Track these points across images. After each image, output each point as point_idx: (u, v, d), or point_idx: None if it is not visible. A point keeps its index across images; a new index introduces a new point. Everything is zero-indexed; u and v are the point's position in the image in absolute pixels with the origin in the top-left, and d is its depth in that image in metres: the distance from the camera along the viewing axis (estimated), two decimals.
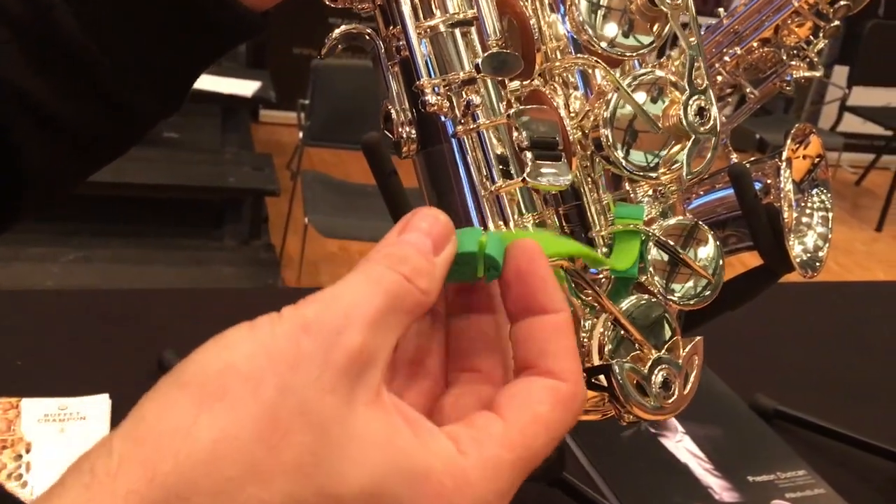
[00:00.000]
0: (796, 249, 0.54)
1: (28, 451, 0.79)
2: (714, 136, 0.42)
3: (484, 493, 0.27)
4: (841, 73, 4.44)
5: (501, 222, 0.38)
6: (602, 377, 0.38)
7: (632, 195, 0.43)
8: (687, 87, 0.41)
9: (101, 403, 0.85)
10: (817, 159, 0.57)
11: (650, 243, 0.41)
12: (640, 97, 0.41)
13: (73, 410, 0.84)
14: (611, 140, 0.40)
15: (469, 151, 0.38)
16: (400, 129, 0.40)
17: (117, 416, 0.85)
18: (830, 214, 0.55)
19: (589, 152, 0.42)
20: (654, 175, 0.41)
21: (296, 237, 2.66)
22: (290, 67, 3.81)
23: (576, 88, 0.43)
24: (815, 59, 0.54)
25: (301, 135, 2.58)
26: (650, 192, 0.43)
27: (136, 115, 0.45)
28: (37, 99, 0.42)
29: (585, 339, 0.40)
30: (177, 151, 2.63)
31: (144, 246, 2.36)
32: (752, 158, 0.56)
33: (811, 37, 0.55)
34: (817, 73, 0.54)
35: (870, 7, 0.60)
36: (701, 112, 0.41)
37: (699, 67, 0.42)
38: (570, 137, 0.40)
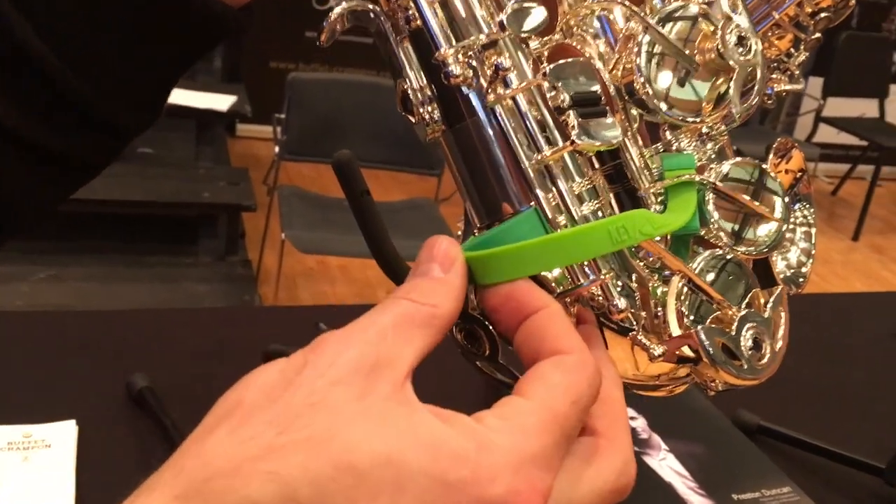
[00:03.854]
0: (779, 265, 0.52)
1: None
2: (759, 68, 0.38)
3: (514, 454, 0.27)
4: (816, 84, 4.49)
5: (554, 193, 0.34)
6: (686, 348, 0.36)
7: (675, 143, 0.39)
8: (721, 15, 0.38)
9: (67, 430, 0.82)
10: (799, 174, 0.55)
11: (707, 192, 0.38)
12: (672, 35, 0.38)
13: (38, 438, 0.81)
14: (646, 85, 0.37)
15: (505, 121, 0.34)
16: (420, 110, 0.35)
17: (84, 443, 0.82)
18: (813, 230, 0.54)
19: (622, 103, 0.38)
20: (696, 117, 0.38)
21: (273, 252, 2.63)
22: (267, 81, 3.79)
23: (596, 37, 0.39)
24: (797, 73, 0.53)
25: (277, 149, 2.56)
26: (695, 139, 0.39)
27: (110, 127, 0.43)
28: (2, 122, 0.40)
29: (659, 309, 0.36)
30: (150, 167, 2.60)
31: (117, 263, 2.32)
32: None
33: (792, 49, 0.54)
34: (798, 87, 0.52)
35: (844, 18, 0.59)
36: (741, 41, 0.38)
37: None
38: (609, 89, 0.37)
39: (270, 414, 0.26)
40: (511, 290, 0.32)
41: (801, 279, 0.59)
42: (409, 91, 0.36)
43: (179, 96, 2.70)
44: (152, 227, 2.53)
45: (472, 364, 0.35)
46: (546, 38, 0.39)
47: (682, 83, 0.38)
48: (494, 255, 0.32)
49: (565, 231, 0.33)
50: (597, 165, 0.37)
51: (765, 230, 0.39)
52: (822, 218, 4.41)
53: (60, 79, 0.40)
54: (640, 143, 0.39)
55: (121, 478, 0.78)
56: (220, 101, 2.77)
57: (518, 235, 0.33)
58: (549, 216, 0.34)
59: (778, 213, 0.39)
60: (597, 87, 0.35)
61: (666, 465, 0.82)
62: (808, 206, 0.58)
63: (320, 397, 0.26)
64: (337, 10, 0.36)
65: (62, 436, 0.82)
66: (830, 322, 1.20)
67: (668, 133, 0.39)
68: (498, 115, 0.34)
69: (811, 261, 0.59)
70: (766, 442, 0.87)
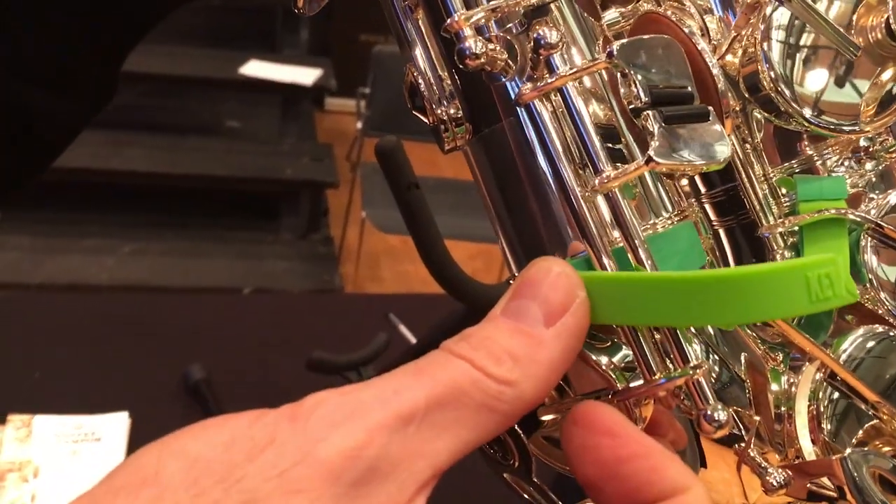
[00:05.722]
0: None
1: (36, 475, 0.72)
2: None
3: None
4: None
5: (620, 235, 0.23)
6: (825, 479, 0.24)
7: (818, 161, 0.27)
8: None
9: (118, 423, 0.78)
10: None
11: (864, 235, 0.26)
12: (821, 5, 0.26)
13: (89, 430, 0.77)
14: (779, 77, 0.26)
15: (548, 125, 0.23)
16: (437, 109, 0.25)
17: (136, 437, 0.78)
18: None
19: (741, 104, 0.27)
20: (852, 125, 0.26)
21: (356, 230, 2.60)
22: (357, 55, 3.74)
23: (707, 13, 0.27)
24: None
25: (359, 124, 2.51)
26: (848, 156, 0.28)
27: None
28: None
29: (782, 410, 0.25)
30: (235, 141, 2.59)
31: (200, 239, 2.32)
32: None
33: None
34: None
35: None
36: None
37: None
38: (718, 82, 0.25)
39: None
40: (623, 448, 0.20)
41: None
42: (421, 81, 0.25)
43: (263, 69, 2.67)
44: (235, 203, 2.52)
45: (496, 475, 0.26)
46: (629, 8, 0.28)
47: (831, 75, 0.26)
48: (609, 281, 0.22)
49: (737, 270, 0.21)
50: (702, 190, 0.27)
51: None
52: None
53: None
54: (766, 159, 0.28)
55: None
56: (305, 75, 2.73)
57: None
58: (608, 269, 0.23)
59: None
60: (689, 80, 0.23)
61: None
62: None
63: None
64: None
65: (113, 428, 0.78)
66: None
67: (807, 146, 0.27)
68: (537, 115, 0.23)
69: None
70: None
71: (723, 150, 0.22)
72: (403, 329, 0.95)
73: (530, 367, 0.20)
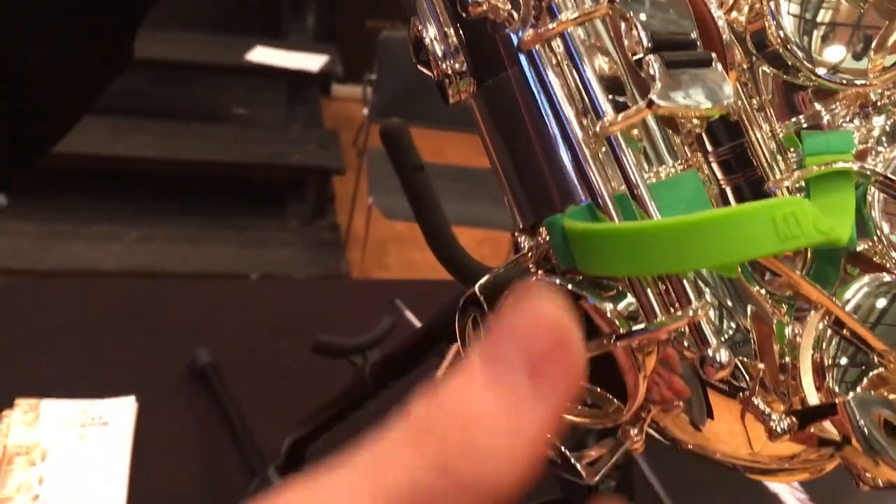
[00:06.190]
0: None
1: (43, 459, 0.73)
2: None
3: None
4: None
5: (622, 182, 0.23)
6: (828, 423, 0.24)
7: (825, 117, 0.27)
8: None
9: (126, 407, 0.78)
10: None
11: (871, 187, 0.26)
12: None
13: (96, 414, 0.78)
14: (786, 30, 0.25)
15: (550, 72, 0.24)
16: (442, 64, 0.26)
17: (142, 421, 0.78)
18: None
19: (748, 61, 0.27)
20: (859, 80, 0.26)
21: (363, 217, 2.60)
22: (363, 41, 3.73)
23: None
24: None
25: (366, 111, 2.50)
26: (856, 111, 0.27)
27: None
28: None
29: (786, 360, 0.25)
30: (241, 128, 2.59)
31: (206, 225, 2.32)
32: None
33: None
34: None
35: None
36: None
37: None
38: (724, 33, 0.25)
39: None
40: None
41: None
42: (426, 36, 0.25)
43: (269, 55, 2.67)
44: (241, 190, 2.52)
45: None
46: None
47: (837, 31, 0.26)
48: (579, 232, 0.22)
49: (707, 213, 0.21)
50: (709, 148, 0.27)
51: None
52: None
53: None
54: (773, 116, 0.27)
55: (177, 462, 0.74)
56: (312, 62, 2.72)
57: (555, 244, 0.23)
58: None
59: None
60: (692, 26, 0.23)
61: None
62: None
63: None
64: None
65: (120, 413, 0.78)
66: None
67: (814, 101, 0.27)
68: (539, 61, 0.24)
69: None
70: None
71: (725, 94, 0.22)
72: (409, 314, 0.95)
73: (510, 452, 0.15)
